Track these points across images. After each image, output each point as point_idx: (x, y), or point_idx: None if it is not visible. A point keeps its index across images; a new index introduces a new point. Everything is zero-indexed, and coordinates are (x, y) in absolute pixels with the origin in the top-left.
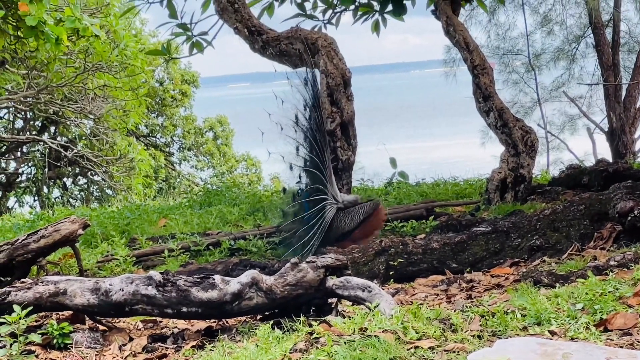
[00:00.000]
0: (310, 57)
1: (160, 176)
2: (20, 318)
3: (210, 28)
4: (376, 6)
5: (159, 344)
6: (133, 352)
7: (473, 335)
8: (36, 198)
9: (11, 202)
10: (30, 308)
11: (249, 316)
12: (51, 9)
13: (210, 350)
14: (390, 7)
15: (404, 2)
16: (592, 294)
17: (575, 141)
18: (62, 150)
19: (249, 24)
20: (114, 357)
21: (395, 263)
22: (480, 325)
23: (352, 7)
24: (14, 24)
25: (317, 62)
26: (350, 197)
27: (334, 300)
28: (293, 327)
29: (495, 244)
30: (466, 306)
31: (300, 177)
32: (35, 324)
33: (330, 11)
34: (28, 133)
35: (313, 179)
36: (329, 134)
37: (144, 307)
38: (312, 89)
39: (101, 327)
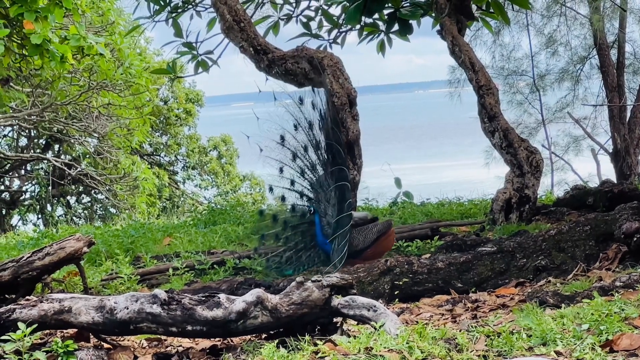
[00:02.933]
0: (319, 75)
1: (164, 195)
2: (24, 335)
3: (216, 47)
4: (382, 26)
5: None
6: None
7: (478, 356)
8: (40, 216)
9: (15, 219)
10: (34, 326)
11: (254, 335)
12: (56, 27)
13: None
14: (396, 27)
15: (410, 22)
16: (598, 315)
17: (580, 162)
18: (66, 168)
19: (254, 42)
20: None
21: (401, 282)
22: (486, 345)
23: (358, 26)
24: (19, 42)
25: (322, 81)
26: (360, 214)
27: (339, 319)
28: (298, 346)
29: (500, 264)
30: (471, 326)
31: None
32: (39, 341)
33: (335, 31)
34: (32, 151)
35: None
36: None
37: (148, 326)
38: (329, 109)
39: (106, 345)
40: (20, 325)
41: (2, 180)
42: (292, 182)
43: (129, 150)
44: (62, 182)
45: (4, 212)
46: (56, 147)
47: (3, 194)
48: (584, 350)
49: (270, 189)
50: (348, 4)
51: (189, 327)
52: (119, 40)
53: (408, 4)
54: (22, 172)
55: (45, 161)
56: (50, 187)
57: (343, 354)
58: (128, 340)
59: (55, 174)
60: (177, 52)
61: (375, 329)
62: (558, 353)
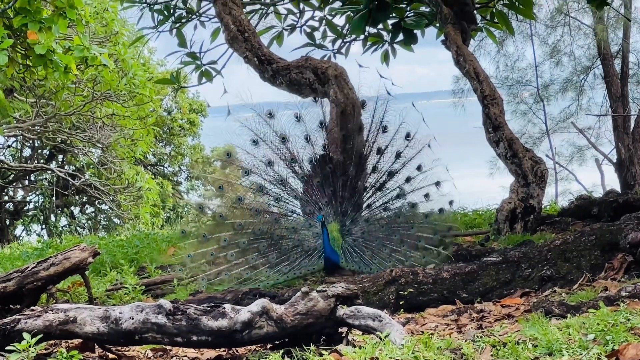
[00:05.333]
0: (324, 85)
1: (168, 205)
2: (30, 346)
3: (220, 57)
4: (386, 36)
5: None
6: None
7: None
8: (44, 226)
9: (19, 230)
10: (40, 336)
11: (259, 345)
12: (60, 37)
13: None
14: (400, 37)
15: (414, 31)
16: (604, 325)
17: (584, 172)
18: (69, 178)
19: (259, 52)
20: None
21: (406, 293)
22: (492, 355)
23: (362, 36)
24: (23, 52)
25: (327, 91)
26: None
27: (345, 329)
28: (303, 357)
29: (505, 274)
30: (477, 336)
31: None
32: (44, 352)
33: (339, 41)
34: (36, 161)
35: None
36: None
37: (154, 336)
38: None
39: (111, 356)
40: (25, 335)
41: (6, 190)
42: (240, 200)
43: (132, 161)
44: (66, 193)
45: (7, 222)
46: (60, 157)
47: (7, 205)
48: None
49: (201, 208)
50: (352, 14)
51: (194, 337)
52: (123, 51)
53: (412, 14)
54: (26, 182)
55: (49, 171)
56: (54, 198)
57: None
58: (133, 351)
59: (59, 185)
60: (181, 62)
61: (381, 339)
62: None
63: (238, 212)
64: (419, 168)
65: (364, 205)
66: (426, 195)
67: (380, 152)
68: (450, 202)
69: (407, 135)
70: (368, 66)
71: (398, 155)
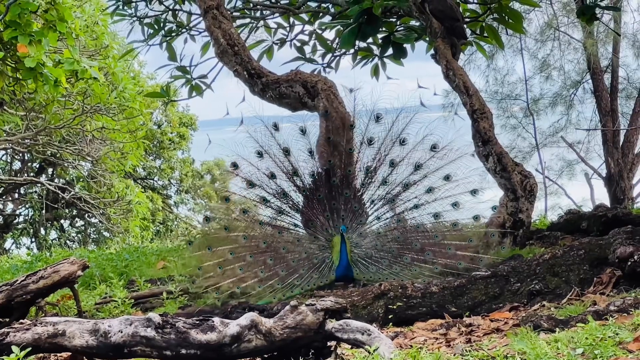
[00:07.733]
0: (313, 99)
1: (158, 219)
2: (18, 359)
3: (210, 71)
4: (376, 50)
5: None
6: None
7: None
8: (33, 239)
9: (8, 243)
10: (28, 349)
11: (248, 359)
12: (50, 50)
13: None
14: (390, 51)
15: (404, 45)
16: (592, 339)
17: (573, 186)
18: (59, 192)
19: (248, 66)
20: None
21: (395, 306)
22: None
23: (352, 50)
24: (13, 65)
25: (316, 105)
26: None
27: (333, 343)
28: None
29: (494, 288)
30: (466, 350)
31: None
32: None
33: (329, 55)
34: (26, 174)
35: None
36: None
37: (142, 349)
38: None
39: None
40: (14, 348)
41: None
42: (245, 212)
43: (122, 174)
44: (56, 206)
45: None
46: (50, 170)
47: None
48: None
49: (207, 219)
50: (342, 28)
51: (183, 351)
52: (113, 64)
53: (402, 28)
54: (16, 195)
55: (39, 185)
56: (43, 211)
57: None
58: None
59: (48, 198)
60: (171, 76)
61: (370, 352)
62: None
63: (242, 224)
64: (447, 178)
65: (372, 218)
66: (455, 204)
67: (393, 164)
68: (494, 208)
69: (434, 147)
70: (356, 80)
71: (418, 166)
